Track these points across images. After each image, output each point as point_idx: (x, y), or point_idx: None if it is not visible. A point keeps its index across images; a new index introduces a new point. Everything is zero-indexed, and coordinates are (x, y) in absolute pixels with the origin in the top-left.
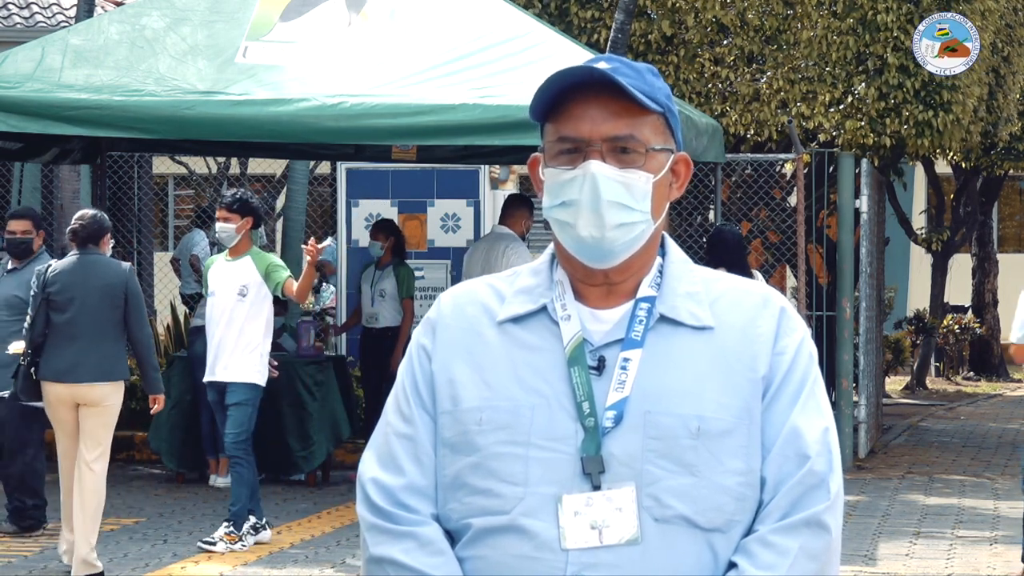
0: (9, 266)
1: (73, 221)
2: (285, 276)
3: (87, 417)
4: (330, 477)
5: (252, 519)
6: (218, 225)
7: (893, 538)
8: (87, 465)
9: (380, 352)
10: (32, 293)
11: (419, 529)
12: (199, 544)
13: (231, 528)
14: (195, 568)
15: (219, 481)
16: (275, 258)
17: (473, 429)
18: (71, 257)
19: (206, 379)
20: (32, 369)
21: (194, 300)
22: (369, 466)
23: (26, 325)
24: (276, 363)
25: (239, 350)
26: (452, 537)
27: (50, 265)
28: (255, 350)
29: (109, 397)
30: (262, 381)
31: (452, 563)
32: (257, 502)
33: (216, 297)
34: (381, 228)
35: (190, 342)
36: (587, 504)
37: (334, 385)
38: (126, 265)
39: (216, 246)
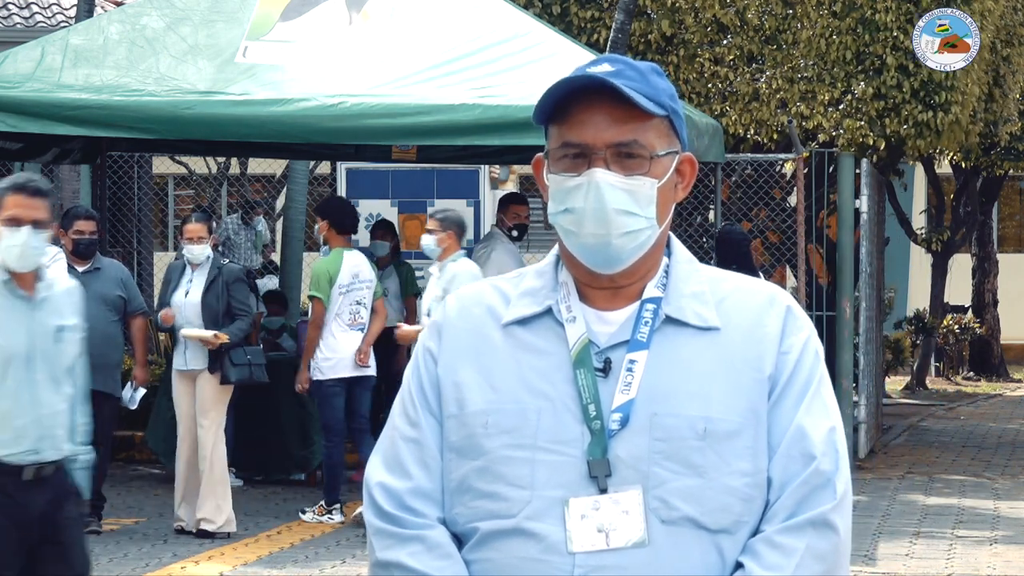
0: (80, 269)
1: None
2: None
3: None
4: None
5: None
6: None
7: (893, 538)
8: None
9: (378, 352)
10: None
11: (426, 532)
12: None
13: None
14: (195, 568)
15: None
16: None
17: (479, 432)
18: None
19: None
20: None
21: None
22: (376, 470)
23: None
24: None
25: None
26: (459, 540)
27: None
28: None
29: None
30: None
31: (459, 566)
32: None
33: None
34: (386, 228)
35: None
36: (594, 507)
37: None
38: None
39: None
